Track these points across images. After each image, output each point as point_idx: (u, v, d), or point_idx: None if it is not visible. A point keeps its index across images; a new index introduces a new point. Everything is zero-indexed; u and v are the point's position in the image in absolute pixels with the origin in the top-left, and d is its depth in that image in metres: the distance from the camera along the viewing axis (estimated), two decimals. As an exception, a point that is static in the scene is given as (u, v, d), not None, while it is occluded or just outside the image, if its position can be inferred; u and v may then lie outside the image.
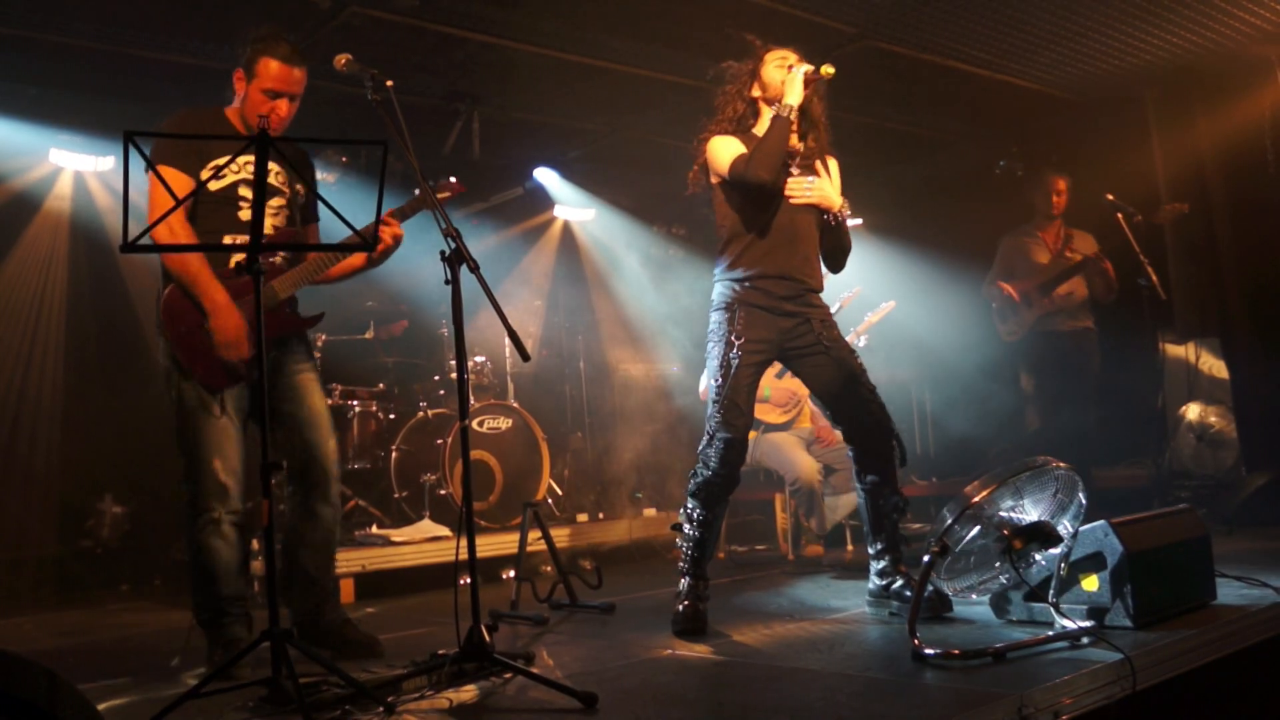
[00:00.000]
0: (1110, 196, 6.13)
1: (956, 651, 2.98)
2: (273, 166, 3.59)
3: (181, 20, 5.36)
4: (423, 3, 5.31)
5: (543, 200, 8.37)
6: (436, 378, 6.81)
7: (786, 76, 3.90)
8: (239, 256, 3.47)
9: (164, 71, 5.85)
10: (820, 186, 3.95)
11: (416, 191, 3.74)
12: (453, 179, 3.88)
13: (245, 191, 3.56)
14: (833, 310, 5.87)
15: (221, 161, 3.42)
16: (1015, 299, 6.51)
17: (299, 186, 3.73)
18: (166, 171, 3.30)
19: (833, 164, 4.16)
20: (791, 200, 3.93)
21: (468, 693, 2.97)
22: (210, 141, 3.52)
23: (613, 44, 6.04)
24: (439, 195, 3.72)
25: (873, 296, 6.27)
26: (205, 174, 3.45)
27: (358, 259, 3.79)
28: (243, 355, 3.43)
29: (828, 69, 3.85)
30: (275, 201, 3.65)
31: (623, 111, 7.10)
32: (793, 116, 3.84)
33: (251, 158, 3.43)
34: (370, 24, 5.50)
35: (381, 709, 2.77)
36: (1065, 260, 6.35)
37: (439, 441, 6.20)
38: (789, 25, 5.62)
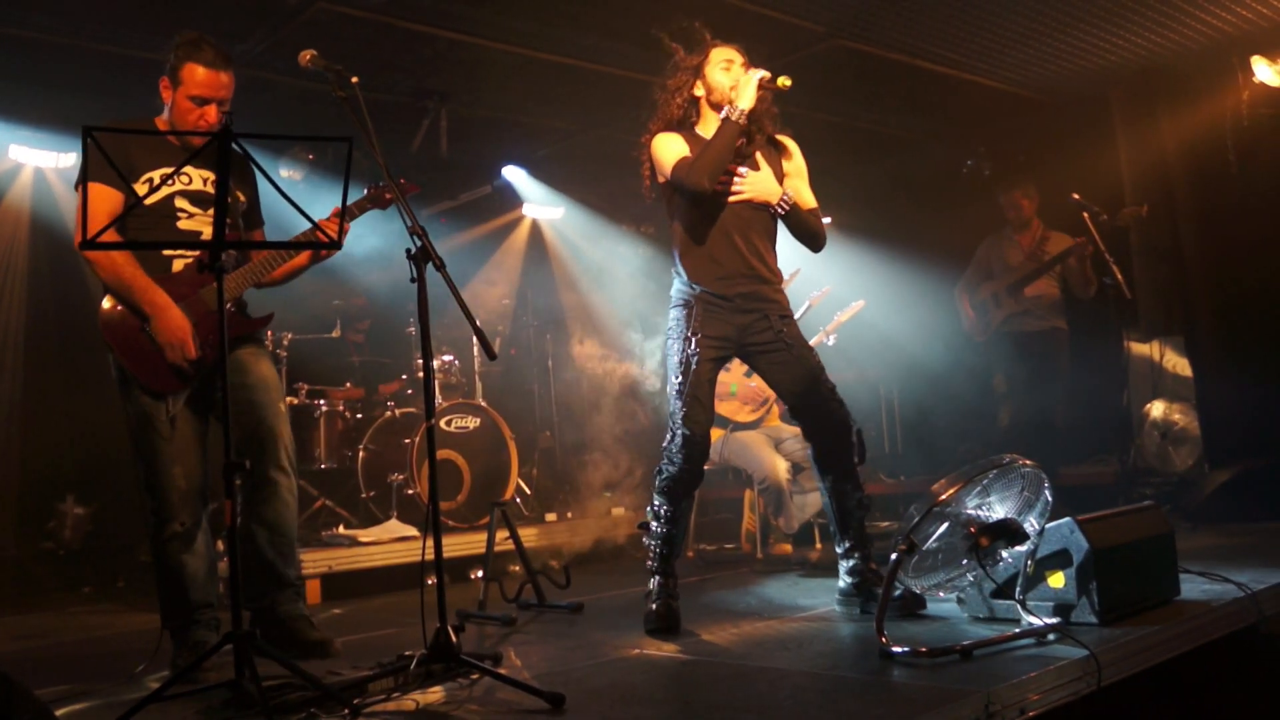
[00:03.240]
0: (1076, 196, 6.18)
1: (924, 649, 2.98)
2: (210, 175, 3.53)
3: (143, 14, 5.29)
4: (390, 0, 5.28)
5: (511, 198, 8.35)
6: (404, 377, 6.77)
7: (741, 78, 3.81)
8: (194, 255, 3.48)
9: (126, 66, 5.77)
10: (755, 182, 3.87)
11: (366, 190, 3.75)
12: (401, 180, 3.78)
13: (182, 203, 3.51)
14: (802, 309, 5.89)
15: (156, 176, 3.37)
16: (967, 320, 6.57)
17: (239, 194, 3.67)
18: (94, 188, 3.22)
19: (789, 146, 4.07)
20: (729, 199, 3.86)
21: (434, 694, 2.95)
22: (142, 155, 3.43)
23: (582, 42, 6.02)
24: (386, 196, 3.74)
25: (842, 295, 6.28)
26: (140, 188, 3.37)
27: (301, 258, 3.73)
28: (189, 355, 3.39)
29: (784, 80, 3.76)
30: (212, 211, 3.53)
31: (591, 110, 7.08)
32: (742, 120, 3.77)
33: (190, 169, 3.45)
34: (337, 20, 5.46)
35: (347, 711, 2.74)
36: (1036, 261, 6.40)
37: (406, 441, 6.16)
38: (757, 24, 5.63)
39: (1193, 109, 6.70)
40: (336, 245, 3.26)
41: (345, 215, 3.55)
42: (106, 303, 3.45)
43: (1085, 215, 6.12)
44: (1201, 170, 6.70)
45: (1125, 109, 7.11)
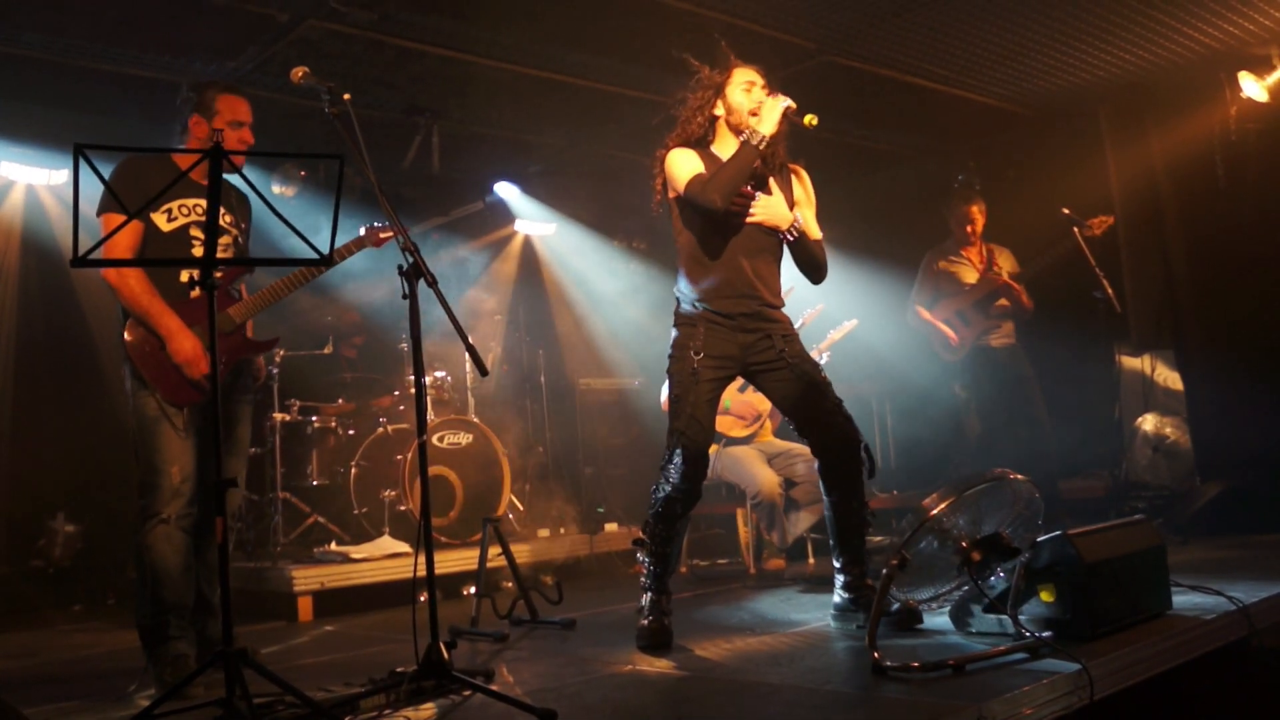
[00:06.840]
0: (1066, 210, 6.20)
1: (916, 664, 2.98)
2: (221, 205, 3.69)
3: (135, 33, 5.30)
4: (381, 16, 5.28)
5: (503, 214, 8.36)
6: (396, 393, 6.76)
7: (765, 103, 3.82)
8: (194, 272, 3.62)
9: (118, 84, 5.78)
10: (767, 206, 3.87)
11: (362, 230, 4.02)
12: (379, 224, 4.09)
13: (196, 233, 3.74)
14: (795, 327, 5.89)
15: (174, 206, 3.69)
16: (953, 339, 6.50)
17: (243, 225, 3.94)
18: (111, 219, 3.52)
19: (801, 175, 4.11)
20: (740, 220, 3.87)
21: (426, 711, 2.94)
22: (160, 186, 3.54)
23: (572, 58, 6.04)
24: (380, 236, 4.03)
25: (835, 311, 6.29)
26: (159, 217, 3.68)
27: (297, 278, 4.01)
28: (203, 370, 3.62)
29: (811, 119, 3.78)
30: (223, 240, 3.82)
31: (583, 125, 7.10)
32: (762, 146, 3.76)
33: (201, 201, 3.70)
34: (328, 37, 5.47)
35: (338, 728, 2.74)
36: (992, 277, 6.37)
37: (398, 457, 6.15)
38: (749, 41, 5.65)
39: (1181, 124, 6.73)
40: (327, 261, 3.29)
41: (335, 238, 3.66)
42: (131, 322, 3.70)
43: (1076, 230, 6.14)
44: (1190, 184, 6.73)
45: (1114, 124, 7.15)
